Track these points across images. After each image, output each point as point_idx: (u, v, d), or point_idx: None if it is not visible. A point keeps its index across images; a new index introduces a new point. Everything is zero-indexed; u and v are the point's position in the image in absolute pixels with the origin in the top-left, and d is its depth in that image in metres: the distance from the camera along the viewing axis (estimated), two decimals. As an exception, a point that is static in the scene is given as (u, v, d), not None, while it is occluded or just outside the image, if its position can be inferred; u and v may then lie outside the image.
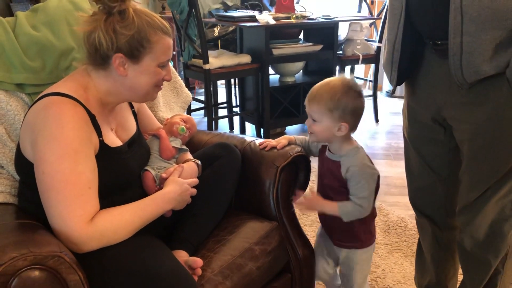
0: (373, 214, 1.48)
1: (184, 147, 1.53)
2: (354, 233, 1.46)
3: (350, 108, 1.35)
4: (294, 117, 3.72)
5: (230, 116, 3.82)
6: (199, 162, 1.48)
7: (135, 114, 1.48)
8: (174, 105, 1.83)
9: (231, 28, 3.90)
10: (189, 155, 1.51)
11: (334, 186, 1.43)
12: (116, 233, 1.15)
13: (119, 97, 1.30)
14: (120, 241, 1.16)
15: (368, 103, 4.29)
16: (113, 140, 1.29)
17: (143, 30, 1.20)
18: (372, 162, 1.43)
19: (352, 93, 1.36)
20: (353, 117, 1.37)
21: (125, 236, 1.16)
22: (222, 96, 4.29)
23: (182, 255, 1.31)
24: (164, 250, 1.21)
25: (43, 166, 1.10)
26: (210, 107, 3.37)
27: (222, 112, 4.13)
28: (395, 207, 2.62)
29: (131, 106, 1.48)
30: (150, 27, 1.21)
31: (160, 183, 1.38)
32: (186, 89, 1.89)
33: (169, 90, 1.84)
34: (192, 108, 3.75)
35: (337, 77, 1.43)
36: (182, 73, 3.65)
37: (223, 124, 3.99)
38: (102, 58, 1.21)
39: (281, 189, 1.55)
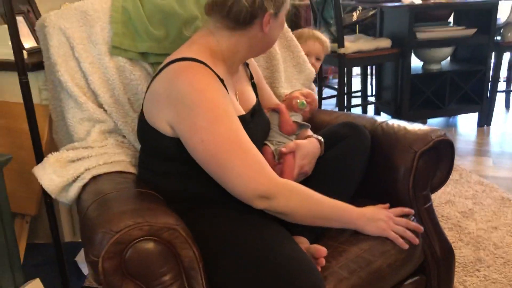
0: None
1: (306, 123, 1.38)
2: None
3: None
4: (438, 109, 3.34)
5: (364, 105, 3.57)
6: (322, 139, 1.32)
7: (254, 86, 1.37)
8: (296, 81, 1.69)
9: (371, 12, 3.65)
10: (310, 132, 1.37)
11: None
12: (303, 204, 1.09)
13: (247, 55, 1.24)
14: (300, 218, 1.11)
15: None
16: (237, 108, 1.21)
17: None
18: None
19: None
20: None
21: (307, 213, 1.10)
22: (356, 86, 4.04)
23: (302, 242, 1.17)
24: (284, 234, 1.09)
25: (199, 135, 1.04)
26: (343, 94, 3.17)
27: (356, 102, 3.88)
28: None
29: (251, 77, 1.38)
30: None
31: (279, 158, 1.26)
32: (310, 65, 1.74)
33: (292, 66, 1.70)
34: (323, 96, 3.58)
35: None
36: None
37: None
38: (252, 16, 1.13)
39: (418, 178, 1.31)
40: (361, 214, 1.16)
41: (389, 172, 1.33)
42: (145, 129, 1.16)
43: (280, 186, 1.08)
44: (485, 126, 3.45)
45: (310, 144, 1.29)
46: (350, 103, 3.61)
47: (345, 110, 3.23)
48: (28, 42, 1.78)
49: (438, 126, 3.56)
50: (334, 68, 4.73)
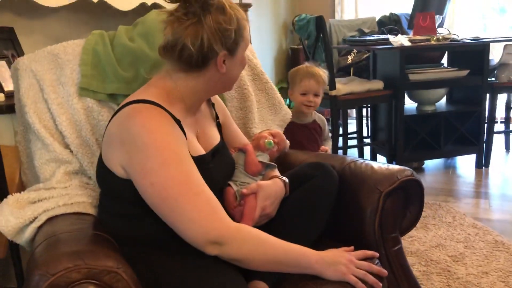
0: None
1: (272, 163, 1.36)
2: None
3: None
4: (434, 150, 3.30)
5: (359, 146, 3.54)
6: (286, 180, 1.30)
7: (219, 126, 1.37)
8: (271, 123, 1.69)
9: (365, 55, 3.69)
10: (276, 172, 1.35)
11: (317, 139, 2.10)
12: (257, 249, 1.06)
13: (207, 95, 1.23)
14: (255, 265, 1.08)
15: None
16: (196, 148, 1.19)
17: (240, 21, 1.13)
18: None
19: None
20: None
21: (262, 259, 1.07)
22: (353, 128, 4.04)
23: (260, 287, 1.13)
24: (238, 281, 1.05)
25: (149, 178, 1.03)
26: (337, 135, 3.15)
27: (352, 143, 3.86)
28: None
29: (216, 117, 1.38)
30: (242, 16, 1.15)
31: (241, 200, 1.23)
32: (286, 106, 1.74)
33: (267, 107, 1.70)
34: (319, 137, 3.57)
35: (308, 63, 2.17)
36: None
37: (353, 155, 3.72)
38: (204, 59, 1.11)
39: (385, 219, 1.28)
40: (320, 258, 1.12)
41: (356, 213, 1.30)
42: (102, 170, 1.15)
43: (232, 231, 1.05)
44: (483, 167, 3.39)
45: (274, 185, 1.27)
46: (346, 144, 3.60)
47: (340, 152, 3.21)
48: (10, 85, 1.82)
49: (436, 167, 3.51)
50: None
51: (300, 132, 2.05)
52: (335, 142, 3.18)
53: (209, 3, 1.09)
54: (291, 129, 1.88)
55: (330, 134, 2.21)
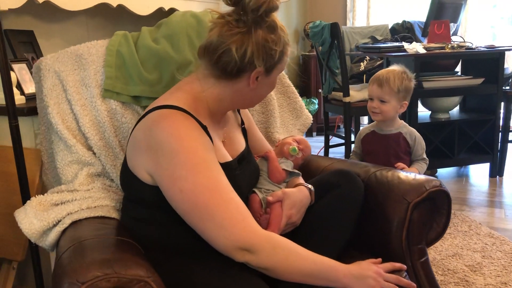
0: None
1: (296, 170, 1.34)
2: None
3: (410, 89, 1.81)
4: (447, 159, 3.27)
5: (372, 154, 3.52)
6: (312, 188, 1.28)
7: (244, 131, 1.36)
8: (292, 127, 1.68)
9: (378, 62, 3.67)
10: (301, 180, 1.33)
11: (399, 153, 1.81)
12: (286, 259, 1.04)
13: (230, 106, 1.21)
14: (283, 274, 1.05)
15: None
16: (223, 154, 1.18)
17: (286, 46, 1.14)
18: None
19: (410, 77, 1.81)
20: (410, 97, 1.83)
21: (290, 270, 1.04)
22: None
23: None
24: None
25: (178, 184, 1.01)
26: (349, 142, 3.14)
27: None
28: None
29: (242, 123, 1.36)
30: (288, 41, 1.15)
31: (266, 207, 1.22)
32: (307, 111, 1.73)
33: (288, 112, 1.69)
34: (331, 144, 3.56)
35: (393, 66, 1.85)
36: (322, 107, 3.50)
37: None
38: (239, 70, 1.10)
39: (412, 230, 1.26)
40: (348, 272, 1.09)
41: (382, 223, 1.28)
42: (127, 175, 1.14)
43: (262, 239, 1.03)
44: (497, 176, 3.36)
45: (299, 193, 1.25)
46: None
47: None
48: (30, 88, 1.81)
49: (449, 175, 3.48)
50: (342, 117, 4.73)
51: (376, 142, 1.87)
52: (347, 149, 3.16)
53: (263, 19, 1.08)
54: (369, 138, 1.87)
55: (424, 156, 1.87)
